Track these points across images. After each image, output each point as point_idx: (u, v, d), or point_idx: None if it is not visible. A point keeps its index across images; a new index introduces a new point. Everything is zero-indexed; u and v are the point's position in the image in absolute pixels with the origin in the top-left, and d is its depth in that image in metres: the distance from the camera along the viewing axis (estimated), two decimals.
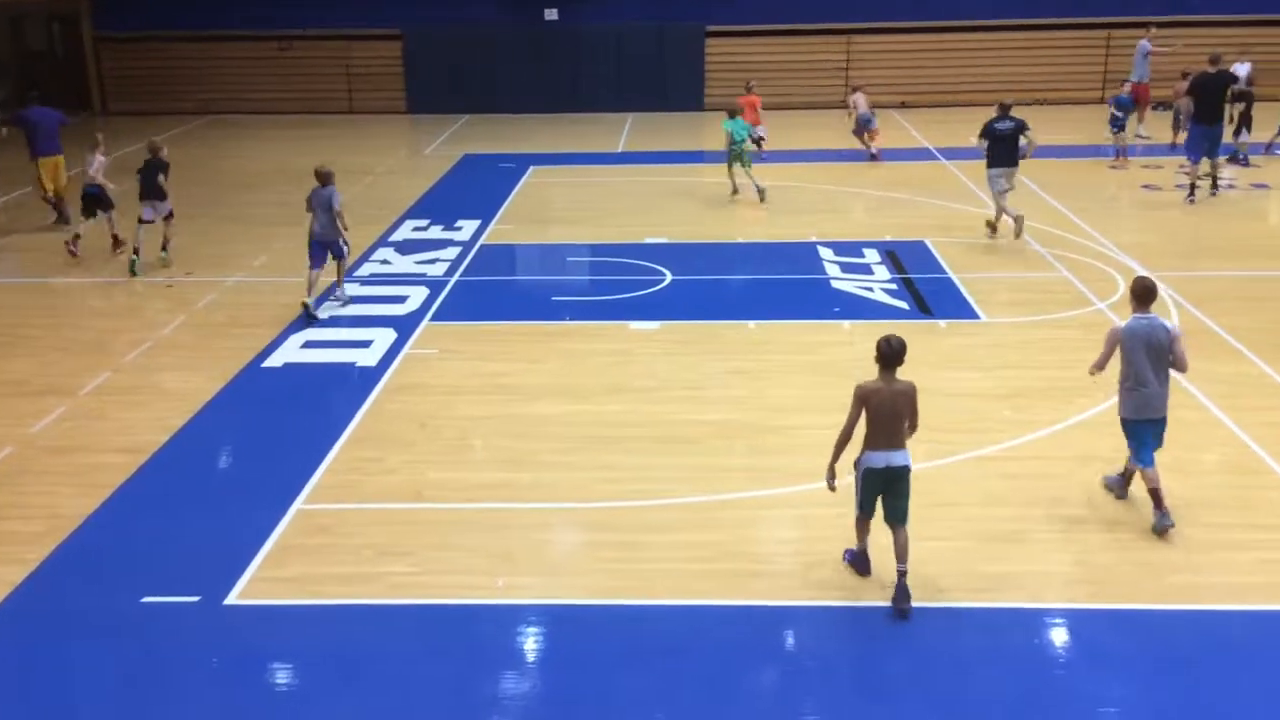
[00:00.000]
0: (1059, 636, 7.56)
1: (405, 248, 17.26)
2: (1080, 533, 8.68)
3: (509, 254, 17.31)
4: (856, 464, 7.79)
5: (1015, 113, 16.70)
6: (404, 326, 13.58)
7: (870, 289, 14.75)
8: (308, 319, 13.72)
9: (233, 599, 7.96)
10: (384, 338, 13.17)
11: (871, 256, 16.24)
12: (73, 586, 8.21)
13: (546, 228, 18.75)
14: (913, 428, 7.77)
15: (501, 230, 18.44)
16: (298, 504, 9.27)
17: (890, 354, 7.56)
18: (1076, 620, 7.67)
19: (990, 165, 16.77)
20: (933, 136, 25.90)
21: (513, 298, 15.28)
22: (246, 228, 18.41)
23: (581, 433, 10.59)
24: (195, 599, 7.93)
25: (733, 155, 19.62)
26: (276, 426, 10.91)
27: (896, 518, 7.74)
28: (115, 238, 16.86)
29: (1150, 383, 8.59)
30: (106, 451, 10.35)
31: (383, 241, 17.48)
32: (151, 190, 15.91)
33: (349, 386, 11.82)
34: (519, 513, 9.15)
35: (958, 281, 14.96)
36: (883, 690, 7.02)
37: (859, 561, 8.09)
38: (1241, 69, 23.26)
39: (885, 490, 7.72)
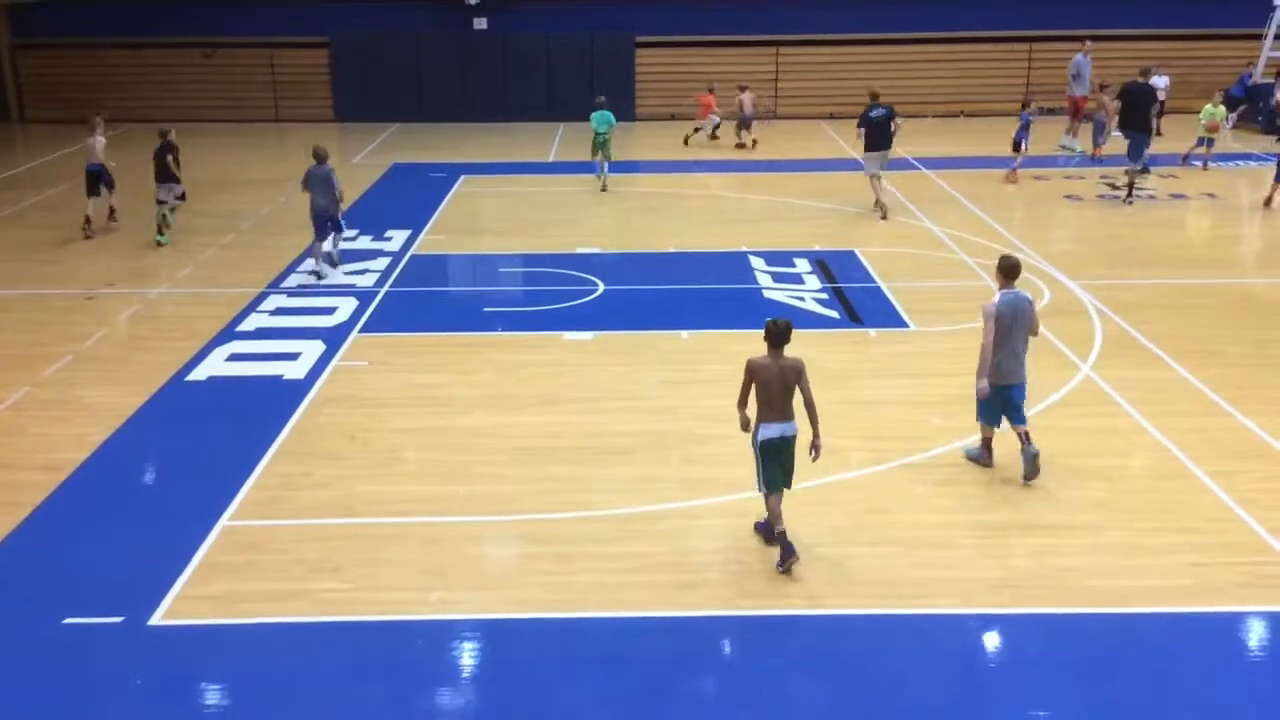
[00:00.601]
0: (987, 642, 7.66)
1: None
2: (1007, 538, 8.81)
3: (440, 264, 17.19)
4: (754, 441, 8.31)
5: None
6: (333, 338, 13.41)
7: (801, 298, 14.86)
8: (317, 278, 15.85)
9: (157, 619, 7.78)
10: (312, 350, 12.99)
11: (802, 266, 16.38)
12: None
13: (478, 238, 18.66)
14: (810, 407, 8.27)
15: (432, 240, 18.32)
16: (223, 520, 9.10)
17: (776, 333, 8.26)
18: (1004, 625, 7.78)
19: (867, 150, 19.06)
20: (860, 147, 26.06)
21: (444, 309, 15.15)
22: (172, 237, 18.04)
23: (514, 445, 10.53)
24: (118, 620, 7.75)
25: (595, 145, 21.38)
26: (201, 441, 10.70)
27: (787, 484, 8.42)
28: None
29: (1019, 352, 9.48)
30: (26, 469, 10.09)
31: (310, 252, 17.23)
32: (163, 174, 17.83)
33: (276, 400, 11.64)
34: (451, 526, 9.07)
35: (887, 290, 15.12)
36: (814, 696, 7.04)
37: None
38: (1160, 81, 23.87)
39: (781, 458, 8.29)
